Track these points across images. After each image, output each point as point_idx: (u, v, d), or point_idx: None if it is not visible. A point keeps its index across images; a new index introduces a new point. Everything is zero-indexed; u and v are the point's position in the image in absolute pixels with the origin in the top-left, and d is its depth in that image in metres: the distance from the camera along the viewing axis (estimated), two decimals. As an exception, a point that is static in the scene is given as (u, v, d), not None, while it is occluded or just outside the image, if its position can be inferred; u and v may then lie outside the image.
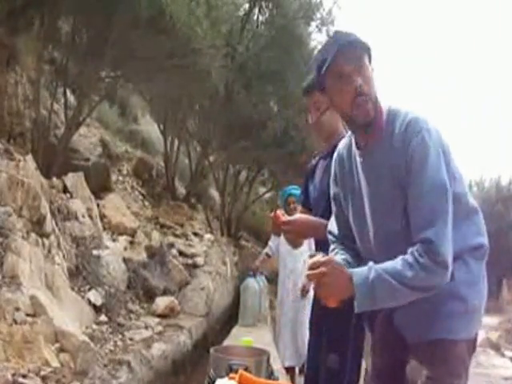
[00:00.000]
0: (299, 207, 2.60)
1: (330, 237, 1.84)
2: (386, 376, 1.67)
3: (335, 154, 1.80)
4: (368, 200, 1.63)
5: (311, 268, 1.49)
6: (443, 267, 1.45)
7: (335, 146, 2.17)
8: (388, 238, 1.58)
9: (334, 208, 1.82)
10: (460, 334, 1.53)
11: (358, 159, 1.65)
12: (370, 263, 1.49)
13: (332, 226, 1.84)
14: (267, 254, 5.68)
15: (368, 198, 1.63)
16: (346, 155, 1.73)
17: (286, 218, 2.21)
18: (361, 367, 2.28)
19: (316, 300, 2.46)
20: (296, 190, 4.36)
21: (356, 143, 1.66)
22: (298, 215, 2.30)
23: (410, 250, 1.47)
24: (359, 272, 1.48)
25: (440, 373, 1.51)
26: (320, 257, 1.52)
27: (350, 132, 1.74)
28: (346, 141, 1.76)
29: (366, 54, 1.56)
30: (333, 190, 1.80)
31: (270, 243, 5.63)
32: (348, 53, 1.52)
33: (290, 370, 5.01)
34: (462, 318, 1.54)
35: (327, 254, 1.92)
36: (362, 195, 1.65)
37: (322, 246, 2.29)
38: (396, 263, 1.47)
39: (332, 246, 1.79)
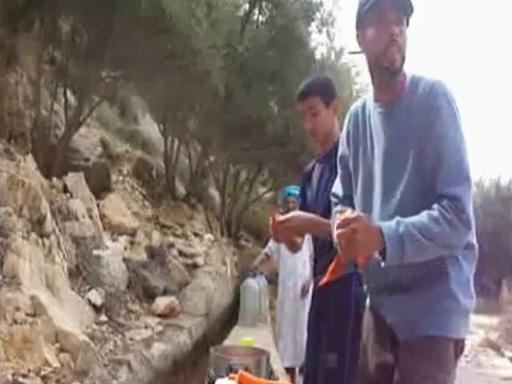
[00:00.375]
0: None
1: (333, 199, 1.85)
2: (376, 374, 1.66)
3: (349, 112, 1.79)
4: (380, 158, 1.62)
5: (341, 226, 1.43)
6: (466, 226, 1.46)
7: (331, 150, 2.17)
8: (395, 197, 1.58)
9: (339, 169, 1.82)
10: (451, 331, 1.54)
11: (377, 110, 1.64)
12: (397, 217, 1.47)
13: (336, 187, 1.85)
14: (266, 254, 5.68)
15: (380, 155, 1.62)
16: (360, 112, 1.73)
17: (282, 217, 2.19)
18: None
19: (314, 300, 2.46)
20: (295, 190, 4.35)
21: (375, 99, 1.66)
22: (296, 212, 2.27)
23: (435, 206, 1.46)
24: (387, 225, 1.45)
25: (432, 369, 1.51)
26: (349, 213, 1.47)
27: (366, 93, 1.74)
28: (360, 101, 1.77)
29: (406, 18, 1.57)
30: (342, 149, 1.80)
31: (269, 244, 5.63)
32: (393, 2, 1.54)
33: (289, 370, 5.01)
34: (453, 316, 1.55)
35: (328, 254, 1.92)
36: (373, 154, 1.65)
37: (321, 245, 2.30)
38: (422, 217, 1.45)
39: (338, 207, 1.79)
